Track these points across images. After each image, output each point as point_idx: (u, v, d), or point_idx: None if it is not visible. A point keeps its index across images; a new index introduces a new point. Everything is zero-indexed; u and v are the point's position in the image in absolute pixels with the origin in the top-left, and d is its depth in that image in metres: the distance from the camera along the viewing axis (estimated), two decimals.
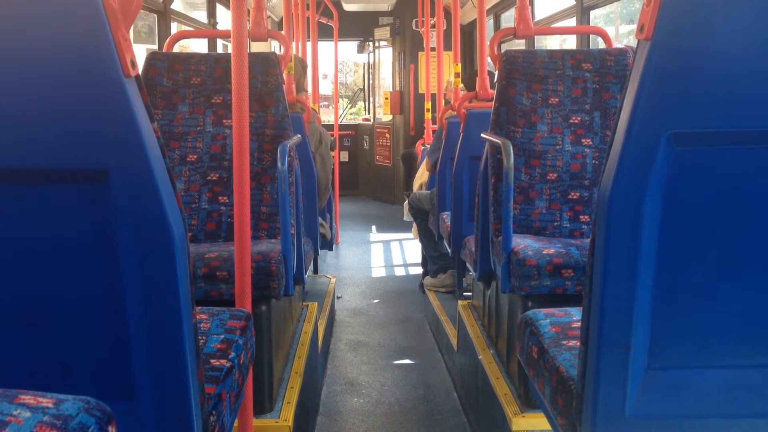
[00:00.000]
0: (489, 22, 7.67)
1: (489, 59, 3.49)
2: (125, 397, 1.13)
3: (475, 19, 4.37)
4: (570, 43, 6.61)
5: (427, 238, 4.78)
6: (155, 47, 5.22)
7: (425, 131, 7.02)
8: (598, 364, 1.19)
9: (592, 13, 4.83)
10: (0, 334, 1.13)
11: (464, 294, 4.14)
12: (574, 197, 2.82)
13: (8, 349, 1.13)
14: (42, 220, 1.10)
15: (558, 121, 2.84)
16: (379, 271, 6.14)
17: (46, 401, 0.81)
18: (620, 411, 1.20)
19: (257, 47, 7.09)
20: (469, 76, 5.02)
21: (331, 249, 4.73)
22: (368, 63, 11.07)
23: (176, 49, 3.38)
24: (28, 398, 0.81)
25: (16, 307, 1.13)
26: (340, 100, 11.93)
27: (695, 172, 1.13)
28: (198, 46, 7.06)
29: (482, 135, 2.90)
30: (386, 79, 10.48)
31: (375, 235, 7.86)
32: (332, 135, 8.12)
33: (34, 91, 1.05)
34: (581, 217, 2.81)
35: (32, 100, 1.06)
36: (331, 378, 3.63)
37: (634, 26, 1.11)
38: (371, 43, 10.51)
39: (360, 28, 10.14)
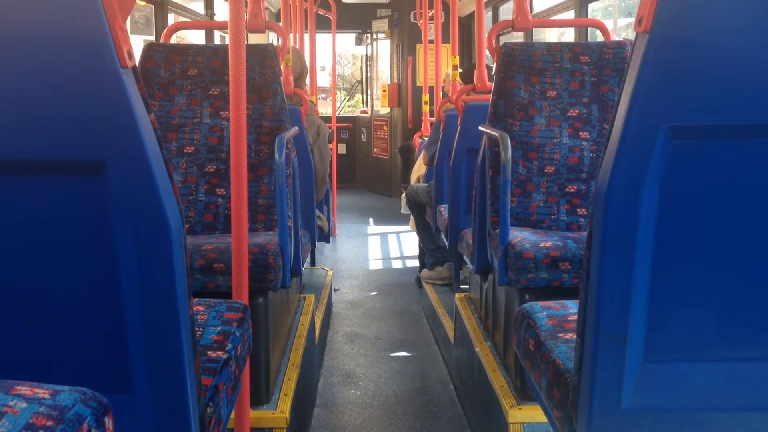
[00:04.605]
0: (487, 15, 7.65)
1: (487, 52, 3.49)
2: (122, 389, 1.13)
3: (474, 11, 4.36)
4: (569, 36, 6.60)
5: (425, 231, 4.78)
6: (152, 38, 5.21)
7: (423, 124, 7.01)
8: (595, 356, 1.19)
9: (591, 6, 4.83)
10: None
11: (461, 287, 4.14)
12: (572, 190, 2.82)
13: (5, 340, 1.13)
14: (38, 211, 1.10)
15: (556, 114, 2.84)
16: (376, 264, 6.15)
17: (43, 392, 0.81)
18: (616, 404, 1.21)
19: (255, 39, 7.07)
20: (467, 68, 5.01)
21: (328, 241, 4.73)
22: (366, 55, 11.05)
23: (173, 40, 3.37)
24: (24, 389, 0.81)
25: (13, 299, 1.12)
26: (338, 92, 11.92)
27: (693, 165, 1.13)
28: (195, 37, 7.03)
29: (480, 128, 2.90)
30: (384, 72, 10.46)
31: (372, 227, 7.86)
32: (330, 127, 8.11)
33: (30, 82, 1.05)
34: (578, 210, 2.81)
35: (28, 91, 1.05)
36: (328, 370, 3.64)
37: (632, 19, 1.11)
38: (369, 35, 10.49)
39: (358, 20, 10.11)
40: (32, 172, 1.08)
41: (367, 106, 11.27)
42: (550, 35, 7.33)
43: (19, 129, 1.06)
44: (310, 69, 7.06)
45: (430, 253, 4.79)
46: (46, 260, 1.11)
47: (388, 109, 10.01)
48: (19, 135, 1.06)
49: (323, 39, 9.30)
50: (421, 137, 6.52)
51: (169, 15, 5.05)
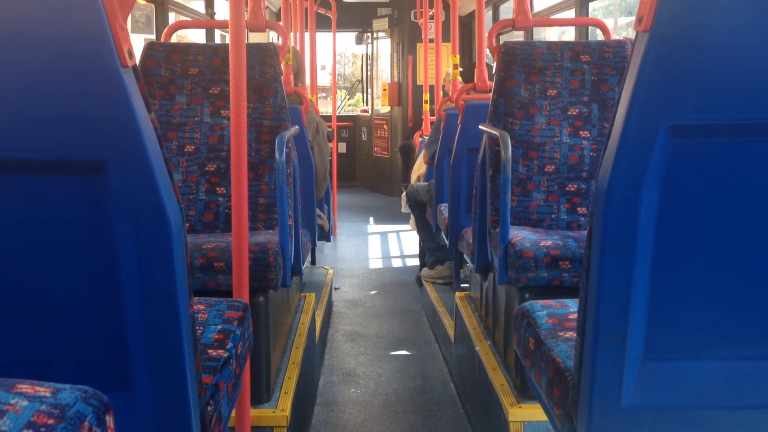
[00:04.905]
0: (487, 14, 7.65)
1: (487, 51, 3.49)
2: (123, 387, 1.14)
3: (474, 10, 4.36)
4: (569, 35, 6.60)
5: (425, 230, 4.79)
6: (153, 37, 5.21)
7: (423, 123, 7.01)
8: (595, 355, 1.20)
9: (592, 5, 4.82)
10: None
11: (461, 285, 4.14)
12: (572, 189, 2.82)
13: (6, 339, 1.14)
14: (39, 211, 1.10)
15: (556, 113, 2.84)
16: (376, 263, 6.15)
17: (44, 390, 0.81)
18: (616, 402, 1.21)
19: (255, 38, 7.07)
20: (467, 67, 5.01)
21: (328, 240, 4.73)
22: (366, 54, 11.05)
23: (174, 39, 3.37)
24: (25, 387, 0.81)
25: (13, 298, 1.13)
26: (338, 91, 11.92)
27: (693, 164, 1.13)
28: (195, 36, 7.04)
29: (480, 127, 2.90)
30: (384, 71, 10.47)
31: (372, 226, 7.86)
32: (330, 126, 8.11)
33: (31, 81, 1.05)
34: (579, 209, 2.81)
35: (29, 90, 1.05)
36: (329, 369, 3.64)
37: (632, 18, 1.12)
38: (369, 34, 10.49)
39: (358, 19, 10.11)
40: (33, 172, 1.08)
41: (367, 105, 11.27)
42: (550, 34, 7.33)
43: (20, 128, 1.06)
44: (311, 68, 7.07)
45: (430, 252, 4.79)
46: (46, 259, 1.12)
47: (388, 108, 10.01)
48: (20, 134, 1.06)
49: (323, 38, 9.30)
50: (421, 136, 6.52)
51: (170, 14, 5.05)
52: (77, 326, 1.14)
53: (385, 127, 10.09)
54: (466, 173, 3.72)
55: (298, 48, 6.41)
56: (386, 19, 9.99)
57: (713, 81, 1.09)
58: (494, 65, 3.06)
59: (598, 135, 2.83)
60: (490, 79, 3.59)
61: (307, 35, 7.34)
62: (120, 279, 1.11)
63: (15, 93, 1.05)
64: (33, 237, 1.11)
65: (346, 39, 11.87)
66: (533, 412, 2.37)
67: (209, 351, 1.46)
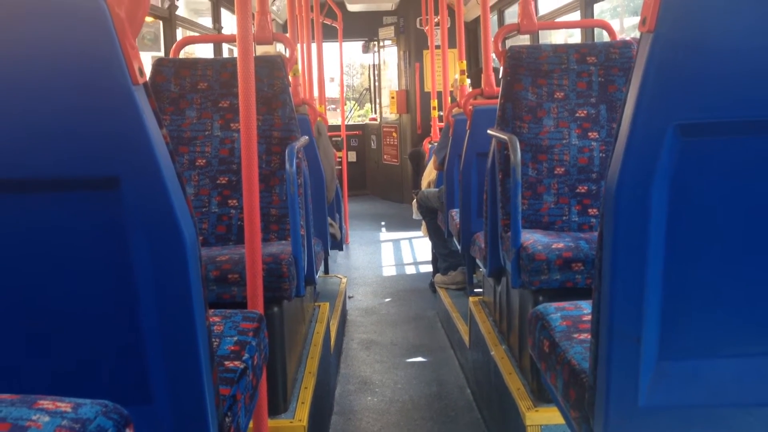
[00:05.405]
0: (493, 19, 7.66)
1: (494, 55, 3.50)
2: (142, 401, 1.15)
3: (479, 15, 4.37)
4: (576, 38, 6.59)
5: (437, 236, 4.79)
6: (160, 54, 5.25)
7: (432, 129, 7.02)
8: (610, 356, 1.19)
9: (599, 7, 4.82)
10: (17, 342, 1.14)
11: (475, 290, 4.14)
12: (582, 191, 2.82)
13: (25, 356, 1.15)
14: (55, 228, 1.11)
15: (564, 116, 2.85)
16: (389, 270, 6.15)
17: (65, 406, 0.82)
18: (632, 402, 1.21)
19: (262, 50, 7.10)
20: (474, 73, 5.03)
21: (341, 249, 4.75)
22: (373, 63, 11.09)
23: (182, 55, 3.40)
24: (46, 403, 0.82)
25: (32, 315, 1.14)
26: (347, 102, 11.97)
27: (701, 162, 1.13)
28: (203, 51, 7.08)
29: (489, 131, 2.90)
30: (392, 80, 10.50)
31: (385, 234, 7.87)
32: (340, 136, 8.15)
33: (43, 101, 1.07)
34: (590, 210, 2.81)
35: (41, 110, 1.07)
36: (345, 377, 3.65)
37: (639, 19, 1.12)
38: (376, 43, 10.53)
39: (364, 28, 10.16)
40: (48, 190, 1.10)
41: (375, 113, 11.31)
42: (557, 38, 7.32)
43: (33, 147, 1.07)
44: (319, 79, 7.10)
45: (442, 258, 4.80)
46: (63, 274, 1.13)
47: (396, 116, 10.03)
48: (34, 153, 1.07)
49: (331, 49, 9.34)
50: (430, 143, 6.53)
51: (178, 30, 5.10)
52: (95, 340, 1.15)
53: (394, 134, 10.12)
54: (476, 178, 3.73)
55: (305, 59, 6.44)
56: (392, 28, 10.02)
57: (718, 79, 1.09)
58: (501, 70, 3.07)
59: (607, 136, 2.82)
60: (497, 83, 3.61)
61: (314, 46, 7.38)
62: (136, 293, 1.12)
63: (28, 112, 1.07)
64: (50, 253, 1.12)
65: (354, 50, 11.93)
66: (550, 416, 2.37)
67: (226, 363, 1.47)
